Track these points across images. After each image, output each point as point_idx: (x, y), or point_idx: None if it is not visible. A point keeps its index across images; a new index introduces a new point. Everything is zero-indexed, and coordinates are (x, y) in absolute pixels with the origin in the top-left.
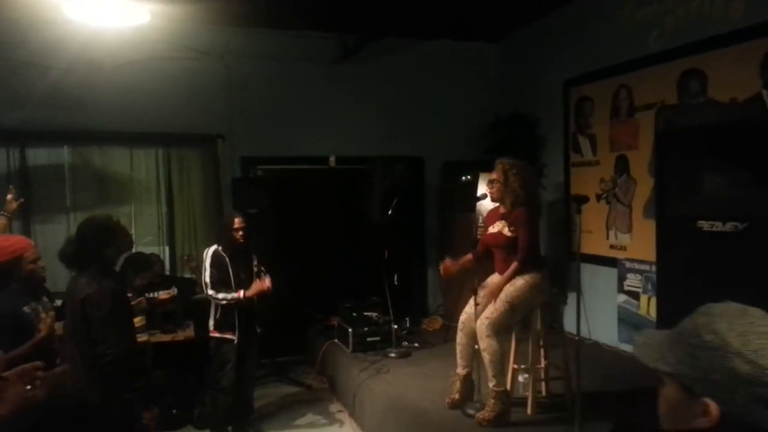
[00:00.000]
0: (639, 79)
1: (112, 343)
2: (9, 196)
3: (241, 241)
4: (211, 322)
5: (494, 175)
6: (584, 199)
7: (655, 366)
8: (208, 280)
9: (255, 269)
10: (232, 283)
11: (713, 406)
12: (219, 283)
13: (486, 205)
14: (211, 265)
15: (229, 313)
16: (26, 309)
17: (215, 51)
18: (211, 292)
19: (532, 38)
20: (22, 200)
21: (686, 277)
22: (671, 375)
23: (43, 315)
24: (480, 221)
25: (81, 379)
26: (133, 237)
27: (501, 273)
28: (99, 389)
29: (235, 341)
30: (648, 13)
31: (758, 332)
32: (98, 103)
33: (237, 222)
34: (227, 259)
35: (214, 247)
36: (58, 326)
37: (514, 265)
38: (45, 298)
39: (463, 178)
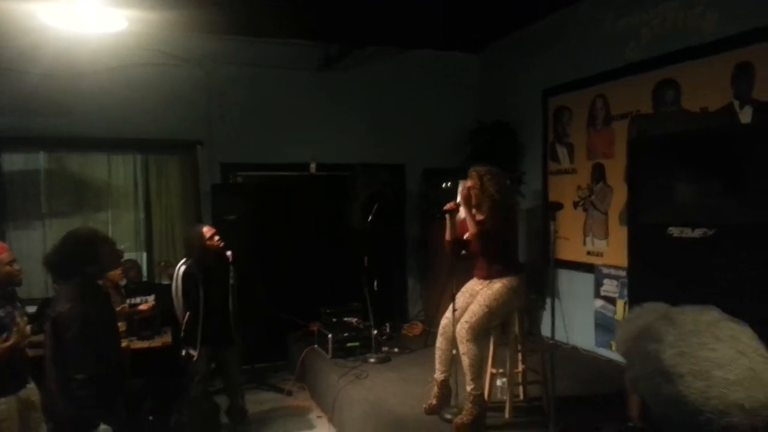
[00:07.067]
0: (615, 88)
1: (81, 366)
2: None
3: (221, 245)
4: (182, 334)
5: (470, 183)
6: (558, 206)
7: (616, 350)
8: (180, 299)
9: (231, 282)
10: (201, 303)
11: (637, 405)
12: (188, 305)
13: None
14: (183, 284)
15: (192, 329)
16: (1, 312)
17: (194, 57)
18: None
19: (512, 48)
20: None
21: (657, 281)
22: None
23: (18, 320)
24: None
25: (55, 400)
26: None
27: (479, 278)
28: (70, 412)
29: (195, 358)
30: (625, 25)
31: (699, 356)
32: (76, 109)
33: (206, 230)
34: (200, 275)
35: (185, 266)
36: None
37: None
38: (18, 304)
39: (443, 185)
